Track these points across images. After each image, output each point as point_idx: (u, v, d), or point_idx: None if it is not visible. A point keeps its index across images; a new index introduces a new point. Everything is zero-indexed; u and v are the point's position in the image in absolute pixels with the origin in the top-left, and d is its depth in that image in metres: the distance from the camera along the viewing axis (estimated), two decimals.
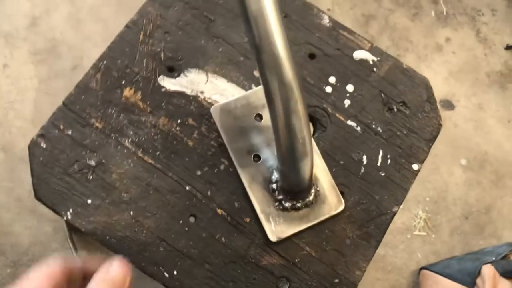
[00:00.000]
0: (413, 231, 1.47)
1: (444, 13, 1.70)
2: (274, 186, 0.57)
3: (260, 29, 0.43)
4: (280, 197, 0.57)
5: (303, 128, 0.47)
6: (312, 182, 0.56)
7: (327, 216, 0.58)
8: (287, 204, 0.57)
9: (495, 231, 1.50)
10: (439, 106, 1.59)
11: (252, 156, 0.58)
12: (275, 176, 0.57)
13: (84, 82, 0.59)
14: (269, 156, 0.58)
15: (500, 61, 1.67)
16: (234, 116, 0.59)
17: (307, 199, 0.57)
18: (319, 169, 0.59)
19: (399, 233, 1.46)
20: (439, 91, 1.61)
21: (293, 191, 0.55)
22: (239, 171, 0.58)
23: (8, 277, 1.25)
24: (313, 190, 0.57)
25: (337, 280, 0.57)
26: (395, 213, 0.60)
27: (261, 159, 0.58)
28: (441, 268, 1.37)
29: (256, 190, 0.57)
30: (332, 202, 0.58)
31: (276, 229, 0.56)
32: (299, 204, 0.56)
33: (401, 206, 1.47)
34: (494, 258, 1.30)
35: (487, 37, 1.69)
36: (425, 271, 1.39)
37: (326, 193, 0.58)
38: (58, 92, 1.37)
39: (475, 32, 1.69)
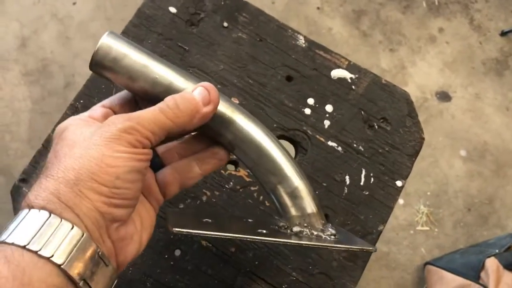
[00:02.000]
0: (416, 227, 1.47)
1: (436, 3, 1.68)
2: None
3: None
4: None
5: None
6: None
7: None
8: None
9: (499, 221, 1.49)
10: (435, 98, 1.58)
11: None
12: None
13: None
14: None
15: (495, 48, 1.66)
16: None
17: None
18: None
19: (401, 230, 1.46)
20: (435, 83, 1.60)
21: None
22: None
23: None
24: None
25: None
26: (380, 232, 0.60)
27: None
28: (445, 262, 1.37)
29: None
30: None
31: None
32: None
33: (402, 202, 1.48)
34: (497, 251, 1.30)
35: (481, 24, 1.68)
36: (430, 267, 1.39)
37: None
38: (52, 111, 1.37)
39: (468, 20, 1.67)
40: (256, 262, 0.58)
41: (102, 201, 0.35)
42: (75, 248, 0.33)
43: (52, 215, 0.33)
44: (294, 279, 0.58)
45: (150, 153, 0.38)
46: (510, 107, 1.59)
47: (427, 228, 1.47)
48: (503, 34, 1.66)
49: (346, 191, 0.61)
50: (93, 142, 0.36)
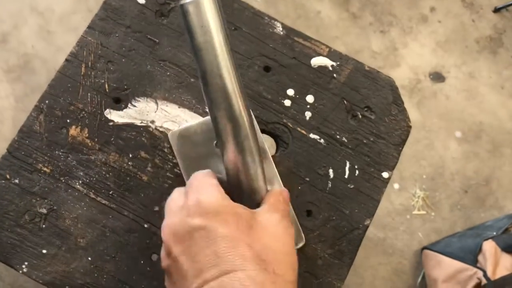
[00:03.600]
0: (412, 211, 1.45)
1: None
2: None
3: (206, 62, 0.41)
4: None
5: (254, 164, 0.44)
6: None
7: None
8: None
9: (496, 202, 1.47)
10: (428, 79, 1.54)
11: None
12: None
13: (27, 126, 0.56)
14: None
15: (489, 25, 1.62)
16: (193, 142, 0.56)
17: None
18: None
19: (398, 215, 1.44)
20: (428, 64, 1.56)
21: None
22: None
23: None
24: None
25: None
26: (367, 227, 0.58)
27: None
28: (442, 247, 1.35)
29: None
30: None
31: None
32: None
33: (397, 187, 1.45)
34: (495, 233, 1.28)
35: (474, 1, 1.63)
36: (427, 251, 1.37)
37: None
38: None
39: None
40: None
41: None
42: None
43: None
44: None
45: None
46: (505, 86, 1.56)
47: (424, 212, 1.44)
48: (496, 10, 1.62)
49: (330, 185, 0.58)
50: None
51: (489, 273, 1.18)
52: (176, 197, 0.43)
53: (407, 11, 1.59)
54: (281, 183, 0.56)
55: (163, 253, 0.42)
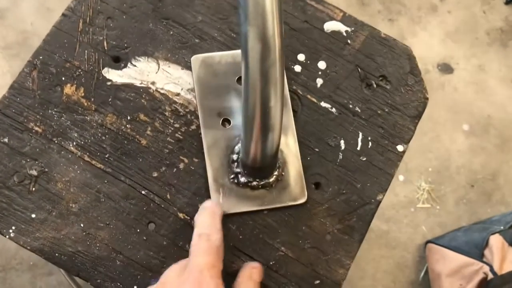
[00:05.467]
0: (417, 204, 1.41)
1: None
2: (234, 157, 0.52)
3: None
4: (238, 170, 0.52)
5: (275, 97, 0.40)
6: (276, 163, 0.51)
7: (284, 204, 0.52)
8: (243, 179, 0.51)
9: (503, 197, 1.43)
10: (437, 70, 1.51)
11: (222, 120, 0.53)
12: (239, 146, 0.51)
13: (18, 82, 0.52)
14: (240, 124, 0.52)
15: (500, 17, 1.58)
16: (214, 72, 0.54)
17: (266, 180, 0.51)
18: (291, 153, 0.53)
19: (402, 207, 1.40)
20: (437, 55, 1.52)
21: (252, 166, 0.49)
22: (203, 131, 0.53)
23: None
24: (276, 173, 0.51)
25: (318, 282, 0.51)
26: (379, 202, 0.54)
27: (230, 125, 0.53)
28: (447, 241, 1.31)
29: (215, 155, 0.52)
30: (294, 192, 0.52)
31: (223, 202, 0.51)
32: (255, 183, 0.51)
33: (402, 179, 1.41)
34: (502, 227, 1.24)
35: None
36: (431, 245, 1.34)
37: (291, 180, 0.52)
38: None
39: None
40: (240, 236, 0.51)
41: None
42: None
43: None
44: (283, 254, 0.51)
45: None
46: None
47: (429, 206, 1.41)
48: (508, 2, 1.58)
49: (341, 157, 0.54)
50: None
51: (495, 268, 1.15)
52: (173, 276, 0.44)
53: (417, 0, 1.55)
54: (296, 135, 0.54)
55: None
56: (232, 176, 0.52)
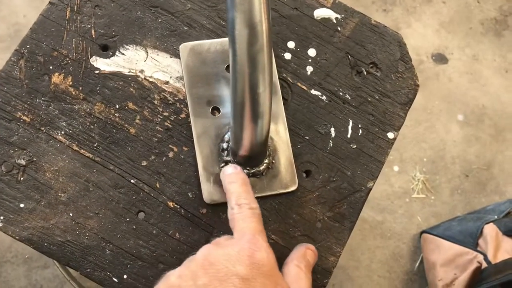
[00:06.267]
0: (412, 194, 1.41)
1: None
2: (224, 145, 0.52)
3: None
4: (228, 158, 0.52)
5: (263, 83, 0.40)
6: (266, 151, 0.51)
7: (274, 192, 0.52)
8: None
9: (498, 187, 1.44)
10: (431, 60, 1.50)
11: (211, 108, 0.53)
12: (229, 135, 0.51)
13: (5, 71, 0.52)
14: (229, 113, 0.52)
15: (494, 6, 1.58)
16: (203, 60, 0.54)
17: (257, 168, 0.51)
18: (281, 141, 0.53)
19: (397, 198, 1.40)
20: (431, 45, 1.52)
21: (242, 154, 0.49)
22: (192, 120, 0.52)
23: None
24: (266, 161, 0.51)
25: None
26: (370, 189, 0.54)
27: (220, 113, 0.53)
28: (442, 230, 1.31)
29: (204, 144, 0.52)
30: (285, 180, 0.52)
31: (214, 190, 0.51)
32: (245, 171, 0.50)
33: (397, 169, 1.42)
34: (496, 217, 1.24)
35: None
36: (426, 235, 1.34)
37: (281, 168, 0.52)
38: None
39: None
40: None
41: None
42: None
43: None
44: (273, 242, 0.51)
45: None
46: (510, 69, 1.52)
47: (423, 196, 1.41)
48: None
49: (331, 144, 0.54)
50: None
51: (490, 257, 1.15)
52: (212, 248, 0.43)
53: None
54: (286, 123, 0.53)
55: (181, 271, 0.41)
56: (222, 164, 0.52)
